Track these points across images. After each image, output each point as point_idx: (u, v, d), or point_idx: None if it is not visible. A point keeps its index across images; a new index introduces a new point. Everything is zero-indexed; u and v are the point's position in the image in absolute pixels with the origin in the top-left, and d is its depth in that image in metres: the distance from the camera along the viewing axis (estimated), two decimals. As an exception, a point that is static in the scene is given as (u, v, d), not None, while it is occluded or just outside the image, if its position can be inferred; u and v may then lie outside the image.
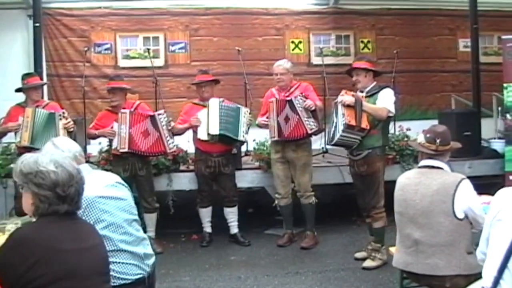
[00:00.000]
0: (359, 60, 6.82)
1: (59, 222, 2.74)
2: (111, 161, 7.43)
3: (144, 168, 7.20)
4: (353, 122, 6.16)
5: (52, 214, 2.72)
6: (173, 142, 7.16)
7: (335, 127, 6.36)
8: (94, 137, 7.41)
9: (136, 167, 7.14)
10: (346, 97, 6.24)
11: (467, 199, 4.05)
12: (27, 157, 2.80)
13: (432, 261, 4.08)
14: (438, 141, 4.30)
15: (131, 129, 6.95)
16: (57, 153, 2.94)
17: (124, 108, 7.12)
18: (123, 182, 3.80)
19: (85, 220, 3.09)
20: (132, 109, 7.15)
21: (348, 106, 6.19)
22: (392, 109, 6.40)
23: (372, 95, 6.42)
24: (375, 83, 6.55)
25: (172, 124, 7.22)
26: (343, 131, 6.22)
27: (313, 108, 6.92)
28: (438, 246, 4.08)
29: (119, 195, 3.58)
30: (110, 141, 7.23)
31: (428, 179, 4.20)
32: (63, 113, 6.89)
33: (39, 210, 2.73)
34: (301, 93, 7.05)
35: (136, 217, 3.72)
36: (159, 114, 7.13)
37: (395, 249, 4.47)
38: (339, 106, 6.26)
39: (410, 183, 4.28)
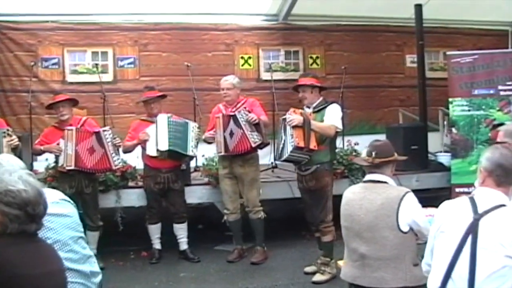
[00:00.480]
0: (305, 76, 6.89)
1: (22, 244, 2.64)
2: (58, 177, 7.30)
3: (90, 185, 7.11)
4: (301, 144, 6.20)
5: (18, 234, 2.63)
6: (118, 159, 7.08)
7: (284, 144, 6.39)
8: (40, 153, 7.28)
9: (82, 185, 7.04)
10: (294, 116, 6.25)
11: (411, 212, 4.09)
12: None
13: (378, 274, 4.10)
14: (374, 153, 4.33)
15: (77, 146, 6.86)
16: (21, 171, 2.85)
17: (71, 125, 7.03)
18: (68, 199, 3.72)
19: (45, 241, 3.00)
20: (78, 126, 7.06)
21: (296, 126, 6.21)
22: (340, 125, 6.46)
23: (319, 110, 6.48)
24: (321, 98, 6.61)
25: (118, 140, 7.14)
26: (291, 151, 6.28)
27: (256, 121, 6.94)
28: (384, 259, 4.09)
29: (64, 212, 3.49)
30: (57, 157, 7.10)
31: (372, 193, 4.23)
32: (8, 130, 6.73)
33: (7, 229, 2.63)
34: (245, 107, 7.06)
35: (82, 235, 3.65)
36: (104, 131, 7.06)
37: (343, 262, 4.48)
38: (288, 126, 6.28)
39: (355, 198, 4.30)
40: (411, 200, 4.14)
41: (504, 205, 3.37)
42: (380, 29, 11.79)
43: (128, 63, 10.64)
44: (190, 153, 7.32)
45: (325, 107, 6.47)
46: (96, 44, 10.54)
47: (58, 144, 6.95)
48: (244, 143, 6.94)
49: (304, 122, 6.18)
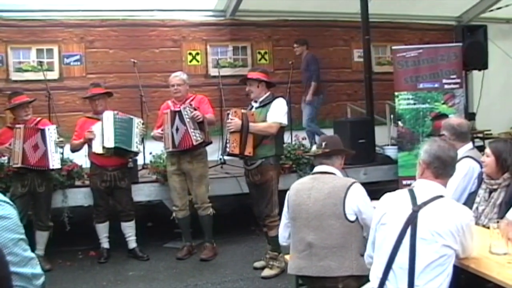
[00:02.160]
0: (254, 70, 6.90)
1: None
2: (5, 177, 7.20)
3: (43, 184, 7.00)
4: (236, 151, 6.32)
5: None
6: (58, 158, 6.96)
7: (225, 143, 6.42)
8: None
9: (35, 183, 6.93)
10: (233, 121, 6.26)
11: (357, 202, 4.15)
12: None
13: (325, 263, 4.13)
14: (324, 144, 4.42)
15: (24, 144, 6.76)
16: None
17: (24, 123, 6.93)
18: (7, 200, 3.64)
19: None
20: (29, 125, 6.96)
21: (234, 131, 6.27)
22: (284, 121, 6.48)
23: (265, 105, 6.49)
24: (269, 93, 6.61)
25: (61, 139, 7.03)
26: (228, 155, 6.49)
27: (200, 119, 6.92)
28: (330, 248, 4.13)
29: (3, 214, 3.42)
30: (9, 158, 6.98)
31: (320, 183, 4.28)
32: None
33: None
34: (190, 104, 7.05)
35: (23, 236, 3.57)
36: (49, 129, 6.95)
37: (289, 256, 4.51)
38: (227, 121, 6.32)
39: (303, 188, 4.34)
40: (358, 189, 4.21)
41: (442, 196, 3.45)
42: (328, 24, 11.91)
43: (74, 61, 10.49)
44: (134, 149, 7.25)
45: (271, 102, 6.49)
46: (41, 41, 10.36)
47: (9, 144, 6.84)
48: (186, 140, 6.91)
49: (242, 127, 6.22)
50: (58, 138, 6.96)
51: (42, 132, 6.90)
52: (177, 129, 6.94)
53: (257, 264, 6.88)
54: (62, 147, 7.10)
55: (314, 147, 4.62)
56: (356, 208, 4.12)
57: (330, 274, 4.11)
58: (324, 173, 4.39)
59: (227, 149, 6.36)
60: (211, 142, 7.24)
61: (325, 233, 4.16)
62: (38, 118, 7.35)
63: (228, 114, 6.43)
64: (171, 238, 8.08)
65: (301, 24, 11.74)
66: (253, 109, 6.57)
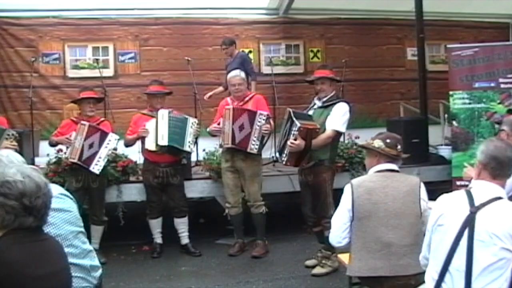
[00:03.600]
0: (323, 68, 6.80)
1: (25, 242, 2.64)
2: (63, 172, 7.36)
3: (97, 180, 7.12)
4: (292, 164, 6.37)
5: (18, 230, 2.63)
6: (100, 166, 7.00)
7: (283, 146, 6.36)
8: (54, 144, 7.30)
9: (89, 179, 7.07)
10: (296, 145, 6.08)
11: (425, 199, 4.22)
12: None
13: (404, 261, 4.12)
14: (399, 146, 4.40)
15: (84, 141, 6.90)
16: (23, 165, 2.86)
17: (88, 121, 7.09)
18: (67, 193, 3.73)
19: (52, 237, 3.01)
20: (94, 123, 7.11)
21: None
22: (341, 129, 6.44)
23: (327, 106, 6.42)
24: (333, 93, 6.56)
25: (113, 152, 7.20)
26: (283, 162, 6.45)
27: (266, 133, 7.01)
28: (409, 246, 4.14)
29: (64, 207, 3.50)
30: (67, 149, 7.14)
31: (395, 181, 4.26)
32: (13, 134, 6.79)
33: (4, 221, 2.62)
34: (268, 115, 7.05)
35: (82, 229, 3.66)
36: (112, 136, 7.09)
37: (353, 257, 4.39)
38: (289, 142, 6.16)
39: (377, 186, 4.28)
40: (424, 187, 4.25)
41: (500, 198, 3.39)
42: (381, 22, 11.82)
43: (129, 58, 10.68)
44: (186, 148, 7.31)
45: (334, 104, 6.41)
46: (97, 39, 10.60)
47: (70, 136, 6.99)
48: (244, 142, 6.95)
49: (305, 148, 6.14)
50: (114, 149, 7.15)
51: (104, 135, 7.04)
52: (241, 127, 6.96)
53: (309, 262, 6.87)
54: (109, 160, 7.26)
55: (379, 143, 4.49)
56: (426, 206, 4.13)
57: (409, 272, 4.10)
58: (392, 171, 4.36)
59: (282, 160, 6.35)
60: (259, 155, 7.25)
61: (404, 231, 4.17)
62: (102, 119, 7.54)
63: (289, 112, 6.31)
64: (223, 235, 8.13)
65: (354, 22, 11.70)
66: (315, 108, 6.52)
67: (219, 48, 10.05)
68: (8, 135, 6.63)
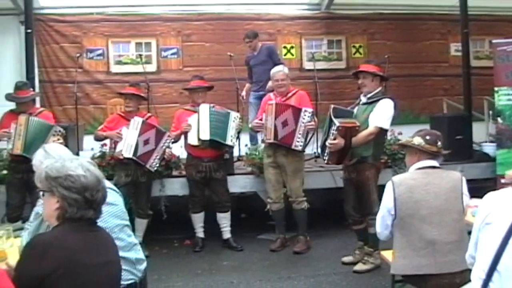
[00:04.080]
0: (368, 63, 6.71)
1: (81, 231, 2.74)
2: (107, 166, 7.50)
3: (145, 174, 7.22)
4: (333, 163, 6.42)
5: (77, 220, 2.72)
6: (156, 164, 7.15)
7: (326, 138, 6.34)
8: (102, 138, 7.43)
9: (137, 173, 7.17)
10: (335, 144, 6.08)
11: (467, 194, 4.22)
12: (51, 163, 2.81)
13: (449, 258, 4.10)
14: (439, 143, 4.37)
15: (139, 137, 6.99)
16: (81, 159, 2.94)
17: (137, 116, 7.20)
18: (114, 187, 3.80)
19: (104, 230, 3.08)
20: (144, 119, 7.22)
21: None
22: (385, 125, 6.33)
23: (372, 102, 6.34)
24: (379, 89, 6.45)
25: (170, 151, 7.34)
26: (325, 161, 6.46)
27: (312, 130, 7.04)
28: (453, 242, 4.12)
29: (111, 201, 3.55)
30: (115, 144, 7.24)
31: (437, 178, 4.24)
32: (60, 131, 6.93)
33: (66, 214, 2.71)
34: (313, 112, 7.06)
35: (128, 223, 3.73)
36: (168, 136, 7.19)
37: (397, 255, 4.37)
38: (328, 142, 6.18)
39: (418, 183, 4.25)
40: (465, 183, 4.23)
41: (550, 196, 3.33)
42: (424, 17, 11.69)
43: (172, 54, 10.77)
44: (229, 142, 7.35)
45: (379, 100, 6.32)
46: (140, 35, 10.71)
47: (120, 131, 7.08)
48: (288, 138, 6.95)
49: (344, 147, 6.12)
50: (169, 147, 7.28)
51: (160, 133, 7.14)
52: (284, 123, 6.96)
53: (346, 259, 6.86)
54: (165, 159, 7.39)
55: (419, 140, 4.46)
56: (468, 201, 4.10)
57: (455, 269, 4.07)
58: (433, 167, 4.33)
59: (324, 158, 6.37)
60: (303, 152, 7.25)
61: (448, 228, 4.15)
62: (149, 114, 7.65)
63: (331, 121, 6.22)
64: (264, 230, 8.16)
65: (396, 18, 11.59)
66: (360, 104, 6.47)
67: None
68: (56, 131, 6.80)
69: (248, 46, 9.37)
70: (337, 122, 6.05)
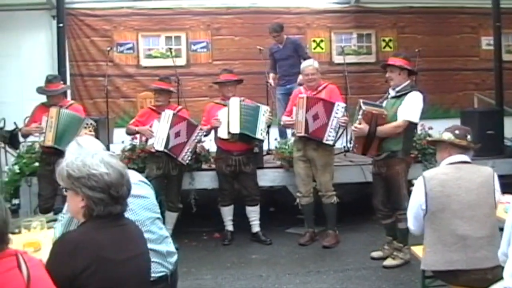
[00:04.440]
0: (396, 56, 6.62)
1: (109, 227, 2.75)
2: (137, 159, 7.59)
3: (177, 167, 7.28)
4: (358, 152, 6.36)
5: (105, 216, 2.74)
6: (188, 157, 7.22)
7: (351, 137, 6.37)
8: (134, 132, 7.52)
9: (169, 166, 7.23)
10: (359, 128, 6.12)
11: (499, 189, 4.18)
12: (72, 160, 2.79)
13: (480, 254, 4.08)
14: (469, 137, 4.36)
15: (170, 130, 7.04)
16: (102, 152, 2.94)
17: (168, 109, 7.26)
18: (146, 180, 3.83)
19: (132, 222, 3.11)
20: (175, 111, 7.28)
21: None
22: (414, 119, 6.26)
23: (400, 96, 6.29)
24: (408, 82, 6.38)
25: (202, 144, 7.54)
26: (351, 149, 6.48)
27: (344, 125, 7.05)
28: (484, 238, 4.10)
29: (142, 194, 3.58)
30: (147, 138, 7.32)
31: (468, 173, 4.22)
32: (91, 124, 7.01)
33: (94, 212, 2.73)
34: (345, 106, 7.06)
35: (159, 215, 3.75)
36: (201, 129, 7.26)
37: (428, 250, 4.34)
38: (353, 126, 6.22)
39: (449, 178, 4.23)
40: (497, 178, 4.19)
41: None
42: (455, 11, 11.54)
43: (201, 47, 10.79)
44: (259, 136, 7.37)
45: (407, 93, 6.26)
46: (170, 29, 10.75)
47: (151, 126, 7.15)
48: (320, 132, 6.93)
49: (368, 133, 6.11)
50: (201, 141, 7.41)
51: (192, 126, 7.21)
52: (315, 116, 6.95)
53: (374, 254, 6.83)
54: (196, 152, 7.49)
55: (449, 135, 4.44)
56: (499, 196, 4.07)
57: (486, 265, 4.05)
58: (464, 162, 4.30)
59: (350, 147, 6.38)
60: (333, 146, 7.25)
61: (479, 223, 4.12)
62: (180, 107, 7.73)
63: (360, 109, 6.22)
64: (293, 224, 8.16)
65: (426, 11, 11.48)
66: (389, 98, 6.42)
67: (290, 37, 10.07)
68: (87, 124, 6.88)
69: (276, 40, 9.32)
70: (364, 106, 6.08)
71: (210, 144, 7.84)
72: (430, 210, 4.25)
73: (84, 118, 7.14)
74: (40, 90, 7.29)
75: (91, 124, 7.02)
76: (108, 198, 2.72)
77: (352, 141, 6.30)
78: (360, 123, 6.10)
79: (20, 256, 2.34)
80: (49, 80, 7.34)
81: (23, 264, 2.31)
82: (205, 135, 7.49)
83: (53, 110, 6.94)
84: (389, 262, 6.52)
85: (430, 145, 7.62)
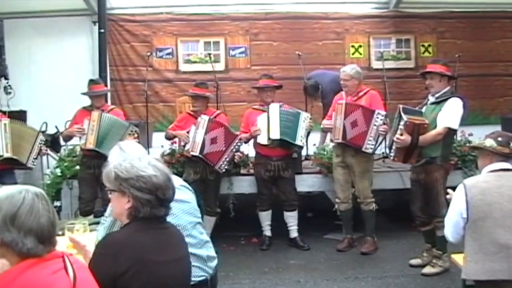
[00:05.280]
0: (435, 63, 6.59)
1: (151, 229, 2.80)
2: (176, 163, 7.67)
3: (214, 172, 7.32)
4: (399, 161, 6.33)
5: (148, 218, 2.79)
6: (225, 166, 7.28)
7: (391, 145, 6.32)
8: (171, 137, 7.62)
9: (206, 171, 7.30)
10: (401, 140, 6.06)
11: None
12: (120, 162, 2.86)
13: None
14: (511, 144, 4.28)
15: (206, 135, 7.09)
16: (148, 156, 2.99)
17: (205, 114, 7.30)
18: (187, 185, 3.86)
19: (174, 226, 3.14)
20: (211, 117, 7.32)
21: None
22: (454, 125, 6.22)
23: (440, 102, 6.24)
24: (448, 88, 6.35)
25: (240, 153, 7.51)
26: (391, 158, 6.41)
27: (383, 134, 7.00)
28: None
29: (184, 198, 3.61)
30: (185, 143, 7.38)
31: (510, 181, 4.14)
32: (136, 131, 7.10)
33: (140, 213, 2.78)
34: (385, 114, 6.99)
35: (200, 220, 3.78)
36: (240, 139, 7.32)
37: (469, 260, 4.23)
38: (395, 137, 6.14)
39: (491, 186, 4.15)
40: None
41: None
42: (496, 15, 11.36)
43: (240, 53, 10.82)
44: (299, 143, 7.38)
45: (447, 99, 6.21)
46: (208, 34, 10.80)
47: (188, 131, 7.23)
48: (359, 139, 6.92)
49: (410, 144, 6.06)
50: (238, 150, 7.42)
51: (230, 134, 7.29)
52: (354, 123, 6.93)
53: (413, 261, 6.77)
54: (233, 161, 7.49)
55: (491, 142, 4.38)
56: None
57: None
58: (506, 170, 4.24)
59: (391, 155, 6.33)
60: (372, 154, 7.20)
61: None
62: (218, 111, 7.78)
63: (400, 117, 6.16)
64: (331, 230, 8.14)
65: (467, 16, 11.32)
66: (428, 104, 6.36)
67: (329, 42, 10.09)
68: (132, 131, 6.98)
69: None
70: (405, 117, 6.02)
71: (248, 149, 7.87)
72: (471, 218, 4.17)
73: (130, 124, 7.24)
74: (84, 93, 7.42)
75: (135, 131, 7.12)
76: (155, 200, 2.78)
77: (393, 151, 6.25)
78: (401, 134, 6.05)
79: (66, 258, 2.39)
80: (93, 81, 7.55)
81: (69, 266, 2.36)
82: (245, 143, 7.51)
83: (95, 114, 7.05)
84: (428, 270, 6.46)
85: (471, 151, 7.57)
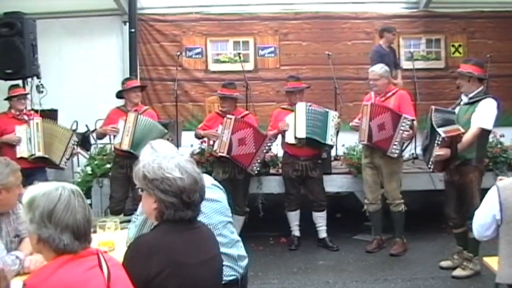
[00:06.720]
0: (466, 62, 6.54)
1: (182, 230, 2.81)
2: (206, 162, 7.72)
3: (243, 172, 7.36)
4: (439, 170, 6.34)
5: (176, 220, 2.79)
6: (257, 168, 7.35)
7: (427, 152, 6.24)
8: (200, 136, 7.66)
9: (235, 170, 7.35)
10: (441, 155, 5.98)
11: None
12: (149, 162, 2.86)
13: None
14: None
15: (232, 135, 7.13)
16: (179, 157, 2.99)
17: (233, 115, 7.36)
18: (219, 184, 3.87)
19: (205, 225, 3.15)
20: (238, 117, 7.37)
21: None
22: (488, 126, 6.15)
23: (473, 102, 6.19)
24: (481, 88, 6.27)
25: (272, 153, 7.61)
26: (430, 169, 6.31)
27: (407, 140, 6.99)
28: None
29: (215, 197, 3.63)
30: (214, 142, 7.43)
31: None
32: (170, 136, 7.16)
33: (164, 215, 2.79)
34: (413, 120, 6.91)
35: (231, 219, 3.80)
36: (270, 139, 7.36)
37: (503, 263, 4.16)
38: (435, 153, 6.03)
39: None
40: None
41: None
42: (527, 15, 11.25)
43: (269, 52, 10.80)
44: (328, 142, 7.38)
45: (480, 100, 6.15)
46: (238, 33, 10.79)
47: (216, 130, 7.29)
48: (384, 143, 6.92)
49: (450, 155, 6.00)
50: (270, 151, 7.48)
51: (258, 134, 7.34)
52: (381, 126, 6.91)
53: (444, 263, 6.73)
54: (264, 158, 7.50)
55: None
56: None
57: None
58: None
59: (429, 166, 6.22)
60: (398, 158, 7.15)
61: None
62: (246, 112, 7.81)
63: (437, 137, 5.96)
64: (360, 231, 8.14)
65: (498, 15, 11.16)
66: (462, 104, 6.31)
67: (358, 42, 10.02)
68: (168, 138, 7.03)
69: (389, 40, 9.51)
70: (442, 133, 5.90)
71: (277, 149, 7.87)
72: (505, 220, 4.11)
73: (166, 132, 7.27)
74: (121, 90, 7.51)
75: (170, 136, 7.18)
76: (179, 203, 2.77)
77: (431, 163, 6.15)
78: (440, 148, 5.96)
79: (101, 255, 2.42)
80: (128, 78, 7.75)
81: (103, 263, 2.40)
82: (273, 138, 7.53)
83: (131, 116, 7.12)
84: (458, 272, 6.42)
85: (505, 149, 7.49)
